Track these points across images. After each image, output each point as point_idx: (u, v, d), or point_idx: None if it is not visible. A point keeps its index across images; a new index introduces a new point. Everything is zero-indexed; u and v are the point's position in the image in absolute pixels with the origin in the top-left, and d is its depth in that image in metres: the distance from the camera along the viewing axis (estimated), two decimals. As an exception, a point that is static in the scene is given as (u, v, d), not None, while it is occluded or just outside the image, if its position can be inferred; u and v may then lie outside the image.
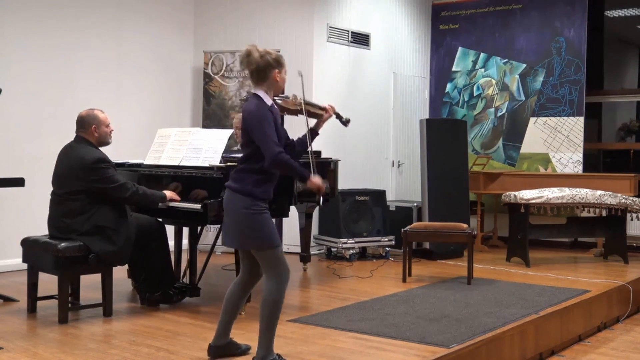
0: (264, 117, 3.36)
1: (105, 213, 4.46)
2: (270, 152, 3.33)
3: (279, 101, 3.63)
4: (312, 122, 3.71)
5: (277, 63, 3.46)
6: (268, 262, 3.45)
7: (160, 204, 4.71)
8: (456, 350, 3.82)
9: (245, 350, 3.71)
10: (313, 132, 3.69)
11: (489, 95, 8.76)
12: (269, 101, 3.45)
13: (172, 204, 4.76)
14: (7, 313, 4.68)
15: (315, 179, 3.48)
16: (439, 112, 9.06)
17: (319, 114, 3.75)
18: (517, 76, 8.55)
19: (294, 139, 3.70)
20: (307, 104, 3.71)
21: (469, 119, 8.77)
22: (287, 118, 4.10)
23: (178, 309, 4.81)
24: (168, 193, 4.73)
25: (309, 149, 3.63)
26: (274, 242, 3.44)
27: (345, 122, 3.94)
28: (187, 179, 4.88)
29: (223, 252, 7.16)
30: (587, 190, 6.84)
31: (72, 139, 4.63)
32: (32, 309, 4.65)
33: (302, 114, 3.65)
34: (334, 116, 3.84)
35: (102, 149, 4.63)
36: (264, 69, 3.43)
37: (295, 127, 4.37)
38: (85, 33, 6.77)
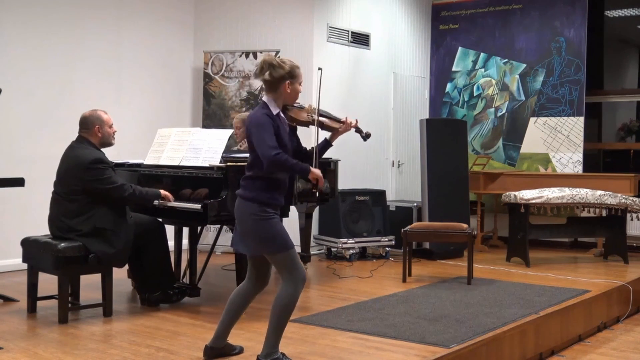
0: (261, 123, 3.39)
1: (104, 214, 4.46)
2: (265, 154, 3.35)
3: (290, 112, 3.61)
4: (327, 134, 3.73)
5: (290, 75, 3.47)
6: (282, 266, 3.45)
7: (156, 202, 4.72)
8: (456, 350, 3.82)
9: (239, 352, 3.74)
10: (327, 144, 3.73)
11: (489, 95, 8.76)
12: (275, 110, 3.47)
13: (172, 204, 4.76)
14: (7, 313, 4.68)
15: (316, 170, 3.53)
16: (439, 112, 9.05)
17: (333, 127, 3.74)
18: (517, 76, 8.55)
19: (307, 148, 3.72)
20: (322, 115, 3.70)
21: (469, 119, 8.77)
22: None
23: (178, 309, 4.81)
24: (163, 191, 4.74)
25: (314, 150, 3.66)
26: (286, 245, 3.43)
27: (365, 137, 3.93)
28: (187, 179, 4.88)
29: (223, 252, 7.16)
30: (587, 190, 6.84)
31: (75, 139, 4.63)
32: (32, 309, 4.65)
33: (314, 125, 3.65)
34: (352, 130, 3.84)
35: (105, 150, 4.63)
36: (275, 81, 3.45)
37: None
38: (85, 33, 6.78)
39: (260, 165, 3.41)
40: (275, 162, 3.35)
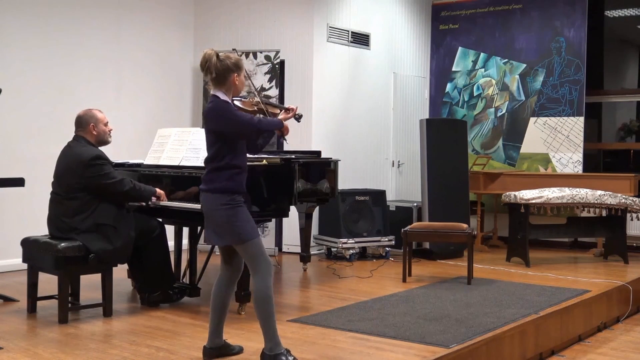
0: (224, 107, 3.50)
1: (105, 211, 4.47)
2: (250, 124, 3.51)
3: (237, 102, 3.81)
4: None
5: (236, 67, 3.58)
6: (250, 255, 3.50)
7: (152, 199, 4.73)
8: (456, 350, 3.82)
9: (238, 352, 3.74)
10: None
11: (489, 95, 8.76)
12: (227, 99, 3.57)
13: (172, 203, 4.77)
14: (7, 313, 4.68)
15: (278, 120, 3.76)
16: (439, 112, 9.05)
17: (275, 113, 3.99)
18: (517, 76, 8.55)
19: None
20: (266, 104, 3.99)
21: (469, 119, 8.77)
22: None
23: (178, 309, 4.81)
24: (158, 190, 4.75)
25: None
26: (253, 233, 3.50)
27: (298, 118, 4.12)
28: (187, 179, 4.88)
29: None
30: (587, 190, 6.84)
31: (72, 139, 4.64)
32: (32, 309, 4.65)
33: (259, 113, 3.83)
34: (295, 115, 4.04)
35: (102, 148, 4.64)
36: (223, 73, 3.54)
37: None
38: (85, 33, 6.78)
39: (223, 155, 3.47)
40: (260, 126, 3.55)
